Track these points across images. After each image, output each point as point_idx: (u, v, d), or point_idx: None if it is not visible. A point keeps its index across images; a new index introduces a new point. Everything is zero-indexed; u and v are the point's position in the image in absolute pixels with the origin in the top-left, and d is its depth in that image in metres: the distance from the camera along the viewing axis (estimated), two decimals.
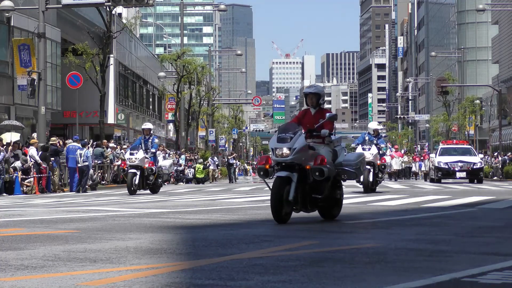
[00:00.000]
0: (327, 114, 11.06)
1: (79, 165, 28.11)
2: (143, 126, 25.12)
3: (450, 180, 39.69)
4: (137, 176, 23.54)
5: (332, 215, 11.31)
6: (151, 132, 24.65)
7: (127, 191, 23.87)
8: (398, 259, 6.66)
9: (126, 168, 24.38)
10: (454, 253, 7.17)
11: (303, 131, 10.66)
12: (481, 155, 46.68)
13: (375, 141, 23.31)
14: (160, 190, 25.42)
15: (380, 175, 23.25)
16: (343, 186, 11.66)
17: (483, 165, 40.40)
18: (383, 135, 24.99)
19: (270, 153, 10.72)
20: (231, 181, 51.70)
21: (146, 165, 23.85)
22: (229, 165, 54.60)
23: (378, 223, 10.89)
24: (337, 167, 11.09)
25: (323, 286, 5.24)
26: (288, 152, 10.34)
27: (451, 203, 15.94)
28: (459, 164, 37.84)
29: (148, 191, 24.64)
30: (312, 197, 10.65)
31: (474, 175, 37.88)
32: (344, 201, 17.13)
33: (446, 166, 38.06)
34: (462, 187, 29.56)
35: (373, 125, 24.39)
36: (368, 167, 21.94)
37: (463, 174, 37.72)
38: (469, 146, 42.66)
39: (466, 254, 7.15)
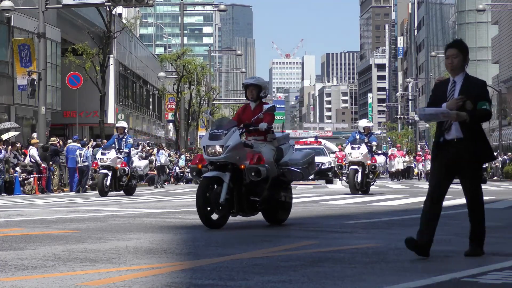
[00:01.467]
0: (265, 106, 10.22)
1: (79, 165, 28.10)
2: (117, 125, 23.97)
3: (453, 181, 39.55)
4: (109, 177, 22.28)
5: (278, 219, 10.46)
6: (125, 131, 23.37)
7: (145, 191, 23.63)
8: (398, 259, 6.66)
9: (97, 169, 23.01)
10: (454, 253, 7.18)
11: (237, 127, 9.91)
12: None
13: (366, 140, 22.08)
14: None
15: (371, 176, 21.75)
16: (291, 188, 10.79)
17: (487, 165, 39.94)
18: (376, 132, 23.53)
19: (202, 151, 9.95)
20: None
21: (119, 166, 22.64)
22: None
23: (378, 223, 10.89)
24: (282, 167, 10.33)
25: (323, 286, 5.24)
26: (220, 150, 9.60)
27: (451, 203, 15.94)
28: None
29: (121, 193, 23.34)
30: (250, 200, 9.85)
31: None
32: (344, 201, 17.18)
33: None
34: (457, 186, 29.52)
35: (363, 123, 23.25)
36: (355, 167, 21.10)
37: None
38: None
39: None
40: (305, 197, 19.49)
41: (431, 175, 7.02)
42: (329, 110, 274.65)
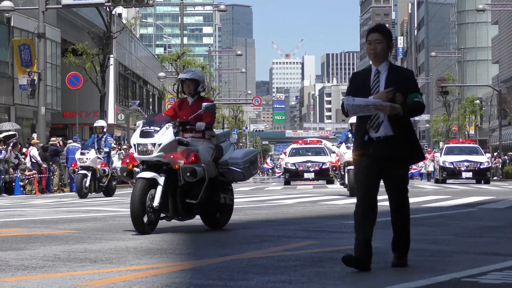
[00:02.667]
0: (203, 104, 9.53)
1: None
2: (95, 124, 22.90)
3: (456, 181, 38.44)
4: (88, 178, 21.54)
5: (218, 223, 9.80)
6: (104, 130, 22.55)
7: (128, 191, 23.66)
8: None
9: (76, 169, 22.05)
10: (454, 253, 7.17)
11: (171, 124, 9.21)
12: (488, 154, 44.61)
13: (349, 139, 20.68)
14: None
15: None
16: (232, 189, 10.10)
17: (490, 164, 38.70)
18: None
19: (133, 150, 9.21)
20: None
21: (98, 166, 21.87)
22: None
23: (378, 223, 10.85)
24: (221, 167, 9.70)
25: (323, 286, 5.24)
26: (152, 148, 8.90)
27: (451, 203, 15.94)
28: (465, 163, 36.23)
29: (101, 194, 22.64)
30: (186, 203, 9.16)
31: (481, 175, 36.23)
32: (344, 201, 17.17)
33: (452, 166, 36.51)
34: (463, 187, 29.51)
35: (352, 119, 22.04)
36: (351, 167, 19.55)
37: (469, 174, 36.12)
38: (476, 145, 40.97)
39: (466, 254, 7.15)
40: (305, 197, 19.48)
41: (357, 179, 6.31)
42: (329, 110, 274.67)
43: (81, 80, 36.71)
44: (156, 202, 8.80)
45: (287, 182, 36.07)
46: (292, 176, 35.73)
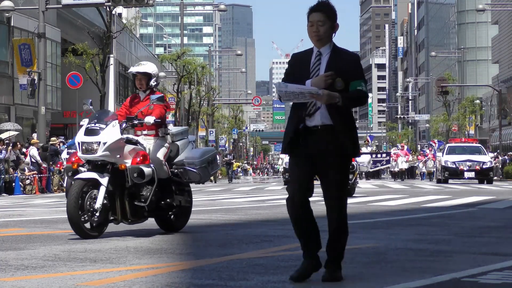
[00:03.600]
0: (151, 96, 8.97)
1: None
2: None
3: (458, 181, 37.80)
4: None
5: (173, 227, 9.24)
6: None
7: None
8: (398, 259, 6.66)
9: (62, 170, 21.02)
10: (454, 253, 7.17)
11: (119, 121, 8.70)
12: (492, 154, 43.69)
13: None
14: None
15: (350, 177, 19.23)
16: (190, 191, 9.53)
17: (493, 164, 37.91)
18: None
19: (77, 148, 8.64)
20: (230, 180, 51.53)
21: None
22: (228, 164, 54.54)
23: (378, 223, 10.88)
24: (177, 167, 9.17)
25: (323, 286, 5.24)
26: (97, 147, 8.37)
27: (451, 203, 15.94)
28: (468, 163, 35.49)
29: None
30: (135, 206, 8.60)
31: (484, 175, 35.41)
32: None
33: (454, 166, 35.70)
34: (463, 187, 29.48)
35: None
36: None
37: (472, 174, 35.34)
38: (478, 145, 40.13)
39: (466, 254, 7.15)
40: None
41: (290, 173, 5.54)
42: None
43: (81, 80, 36.70)
44: (98, 204, 8.25)
45: (287, 182, 35.96)
46: None
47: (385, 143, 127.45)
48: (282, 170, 37.50)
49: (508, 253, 7.21)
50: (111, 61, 49.18)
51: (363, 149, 50.65)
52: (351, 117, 5.45)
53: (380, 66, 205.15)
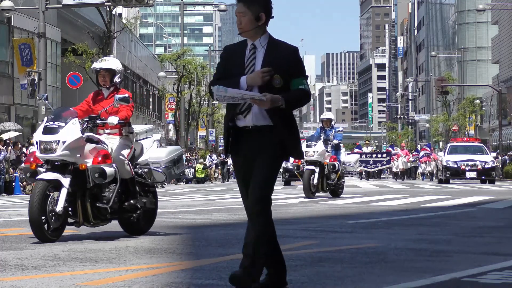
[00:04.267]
0: (116, 96, 8.57)
1: None
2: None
3: (460, 181, 37.21)
4: None
5: (138, 229, 8.89)
6: None
7: None
8: (398, 259, 6.66)
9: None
10: (454, 253, 7.17)
11: (79, 118, 8.35)
12: (494, 154, 42.83)
13: (323, 136, 19.12)
14: (164, 189, 22.79)
15: (332, 177, 18.85)
16: (155, 192, 9.24)
17: (495, 164, 37.15)
18: (340, 128, 19.26)
19: (35, 147, 8.25)
20: (224, 180, 50.74)
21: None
22: (223, 163, 53.10)
23: (378, 223, 10.88)
24: (141, 166, 8.91)
25: (323, 286, 5.24)
26: (56, 146, 8.03)
27: (451, 203, 15.94)
28: (469, 163, 34.83)
29: None
30: (96, 207, 8.29)
31: (486, 175, 34.80)
32: (344, 201, 17.17)
33: (455, 165, 35.02)
34: (463, 187, 29.46)
35: (324, 115, 20.19)
36: (311, 167, 18.37)
37: (474, 174, 34.70)
38: (481, 144, 39.46)
39: (466, 254, 7.15)
40: (305, 197, 19.47)
41: (236, 177, 5.08)
42: (329, 110, 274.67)
43: (81, 79, 36.71)
44: (59, 207, 7.91)
45: (287, 182, 35.18)
46: (292, 176, 35.19)
47: (385, 143, 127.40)
48: (282, 169, 37.01)
49: (508, 253, 7.20)
50: None
51: (364, 149, 50.50)
52: (291, 115, 4.99)
53: (380, 66, 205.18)
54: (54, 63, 43.15)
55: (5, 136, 28.63)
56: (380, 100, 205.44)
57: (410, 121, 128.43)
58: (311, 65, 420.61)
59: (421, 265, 6.31)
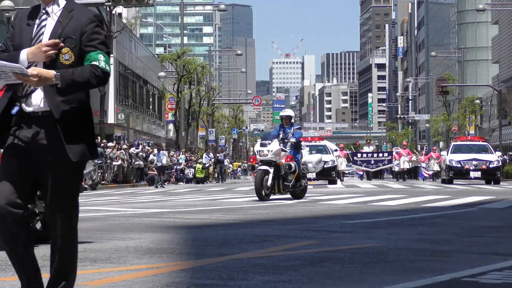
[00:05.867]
0: None
1: None
2: None
3: (463, 181, 36.19)
4: None
5: (39, 237, 7.77)
6: None
7: (127, 191, 23.67)
8: (398, 259, 6.66)
9: None
10: (454, 253, 7.17)
11: None
12: (499, 153, 40.89)
13: (282, 135, 17.84)
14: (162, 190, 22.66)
15: (289, 178, 17.34)
16: None
17: (500, 163, 35.68)
18: (298, 126, 17.82)
19: None
20: (218, 181, 50.18)
21: None
22: (218, 163, 52.55)
23: (378, 223, 10.88)
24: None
25: (323, 286, 5.24)
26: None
27: (451, 203, 15.95)
28: (474, 162, 33.63)
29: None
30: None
31: (490, 175, 33.65)
32: (344, 201, 17.18)
33: (459, 165, 33.76)
34: (463, 187, 29.46)
35: (283, 112, 18.80)
36: (265, 167, 17.00)
37: (478, 174, 33.50)
38: (485, 143, 38.01)
39: (466, 254, 7.15)
40: (305, 196, 19.48)
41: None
42: (329, 110, 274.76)
43: None
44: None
45: None
46: None
47: (385, 143, 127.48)
48: None
49: (508, 253, 7.20)
50: (111, 60, 49.14)
51: (365, 148, 50.00)
52: (83, 104, 4.04)
53: (380, 66, 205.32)
54: None
55: None
56: (380, 100, 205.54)
57: (410, 121, 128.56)
58: (311, 65, 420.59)
59: (421, 265, 6.31)
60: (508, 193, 22.60)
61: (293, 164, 17.35)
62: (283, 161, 17.31)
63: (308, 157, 19.27)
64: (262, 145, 17.36)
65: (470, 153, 34.53)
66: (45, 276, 5.60)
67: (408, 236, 8.74)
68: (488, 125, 74.35)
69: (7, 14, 34.46)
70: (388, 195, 20.35)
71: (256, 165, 18.11)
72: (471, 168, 33.62)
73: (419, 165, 50.19)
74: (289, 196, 18.15)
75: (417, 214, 12.56)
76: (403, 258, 6.76)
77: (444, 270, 5.90)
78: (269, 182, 16.93)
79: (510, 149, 59.97)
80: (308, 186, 19.16)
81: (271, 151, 17.15)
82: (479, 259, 6.68)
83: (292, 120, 18.40)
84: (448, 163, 34.40)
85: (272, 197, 17.62)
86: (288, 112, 18.72)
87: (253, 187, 17.57)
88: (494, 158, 34.53)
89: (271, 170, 17.05)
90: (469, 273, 5.74)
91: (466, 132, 71.55)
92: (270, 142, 17.44)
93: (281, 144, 17.55)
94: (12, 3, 33.18)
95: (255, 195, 17.08)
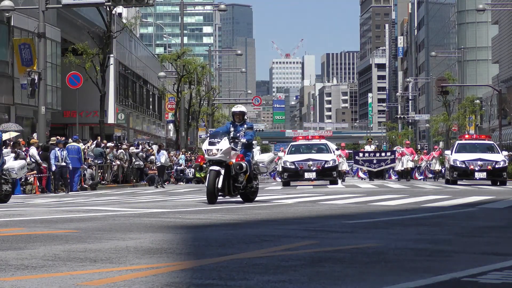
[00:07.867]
0: None
1: (58, 165, 27.33)
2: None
3: (468, 182, 34.77)
4: None
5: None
6: None
7: (127, 191, 23.64)
8: (398, 259, 6.66)
9: None
10: (454, 253, 7.17)
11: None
12: (505, 152, 39.01)
13: (233, 133, 16.54)
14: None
15: (240, 179, 15.88)
16: None
17: (507, 164, 34.12)
18: (251, 124, 16.73)
19: None
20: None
21: None
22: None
23: (378, 223, 10.88)
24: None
25: (323, 286, 5.24)
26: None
27: (451, 203, 15.94)
28: (479, 162, 32.21)
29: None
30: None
31: (496, 175, 32.26)
32: (344, 201, 17.18)
33: (463, 165, 32.36)
34: (463, 187, 29.46)
35: (236, 107, 17.35)
36: (216, 168, 15.62)
37: (483, 175, 32.08)
38: (491, 142, 36.65)
39: (466, 254, 7.15)
40: (305, 197, 19.47)
41: None
42: (329, 110, 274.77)
43: (81, 79, 36.74)
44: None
45: (286, 184, 33.52)
46: (292, 176, 33.25)
47: (385, 143, 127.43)
48: (281, 169, 36.31)
49: (508, 253, 7.20)
50: (111, 61, 49.20)
51: (366, 147, 49.65)
52: None
53: (380, 66, 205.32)
54: (54, 63, 43.16)
55: (5, 136, 28.64)
56: (380, 100, 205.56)
57: (410, 121, 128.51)
58: (311, 65, 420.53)
59: (421, 265, 6.30)
60: (508, 193, 22.59)
61: (244, 164, 15.94)
62: (234, 160, 15.89)
63: (260, 157, 17.79)
64: (210, 143, 15.82)
65: (475, 153, 33.22)
66: (46, 276, 5.60)
67: (408, 236, 8.74)
68: (488, 125, 74.35)
69: (7, 14, 34.44)
70: (388, 195, 20.34)
71: (204, 165, 17.00)
72: (476, 168, 32.18)
73: (419, 165, 49.41)
74: (239, 199, 16.78)
75: (417, 214, 12.56)
76: (403, 258, 6.75)
77: (444, 270, 5.90)
78: (220, 183, 15.50)
79: (510, 149, 59.99)
80: (259, 187, 17.46)
81: (221, 150, 15.65)
82: (479, 259, 6.68)
83: (245, 117, 16.95)
84: (452, 163, 33.10)
85: (220, 199, 16.49)
86: (241, 108, 17.17)
87: None
88: (500, 158, 33.07)
89: (222, 171, 15.65)
90: (469, 273, 5.74)
91: (466, 132, 71.55)
92: (219, 140, 15.91)
93: (232, 143, 16.14)
94: (12, 3, 33.16)
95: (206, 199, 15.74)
